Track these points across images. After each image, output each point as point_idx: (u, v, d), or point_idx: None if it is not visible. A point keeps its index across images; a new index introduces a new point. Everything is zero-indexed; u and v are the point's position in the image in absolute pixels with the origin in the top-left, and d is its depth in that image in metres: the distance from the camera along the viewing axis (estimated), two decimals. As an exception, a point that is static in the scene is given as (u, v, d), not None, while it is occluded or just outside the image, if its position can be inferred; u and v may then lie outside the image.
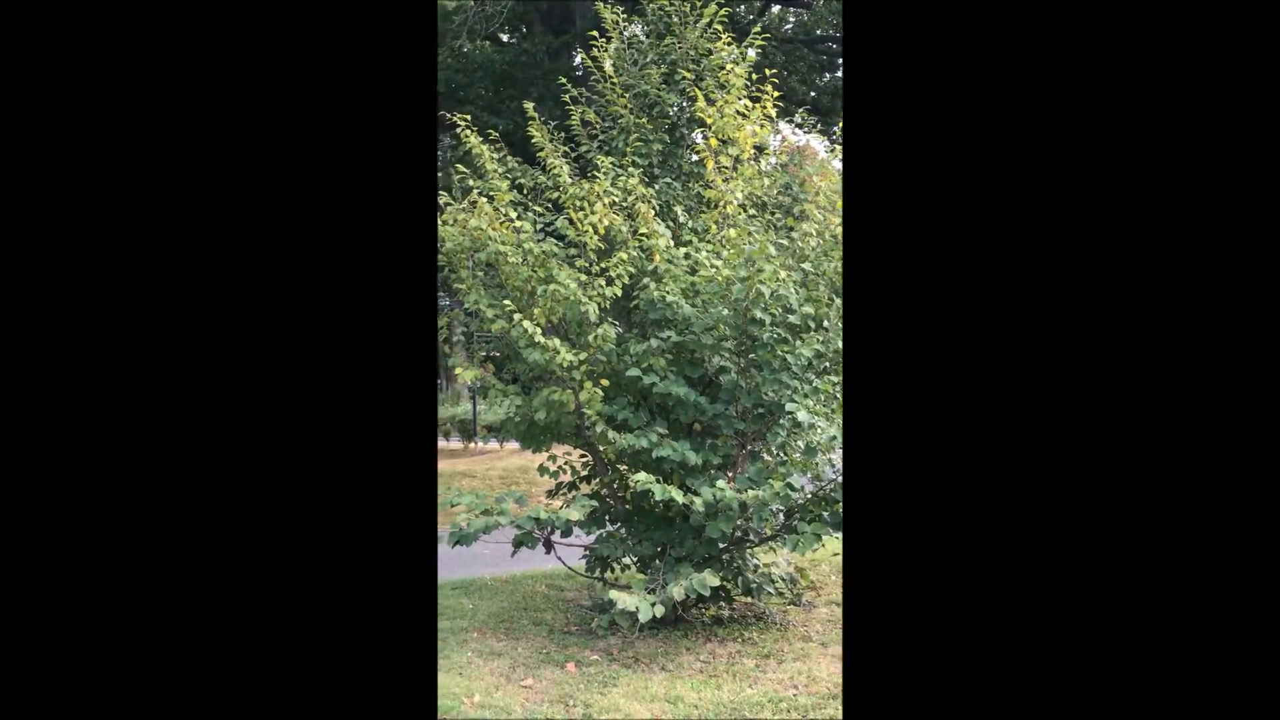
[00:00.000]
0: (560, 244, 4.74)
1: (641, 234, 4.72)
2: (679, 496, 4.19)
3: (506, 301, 4.37)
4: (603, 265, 4.58)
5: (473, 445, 14.29)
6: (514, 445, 13.82)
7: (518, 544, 4.66)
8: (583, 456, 5.40)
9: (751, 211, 5.00)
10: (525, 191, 5.09)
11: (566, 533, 4.73)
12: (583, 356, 4.47)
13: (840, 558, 7.12)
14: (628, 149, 5.03)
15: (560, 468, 5.28)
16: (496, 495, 4.70)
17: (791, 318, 4.49)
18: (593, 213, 4.49)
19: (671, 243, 4.78)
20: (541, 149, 5.02)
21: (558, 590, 6.36)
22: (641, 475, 4.22)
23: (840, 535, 4.77)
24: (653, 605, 4.17)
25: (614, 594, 4.18)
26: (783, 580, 5.46)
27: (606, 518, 5.17)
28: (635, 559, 5.16)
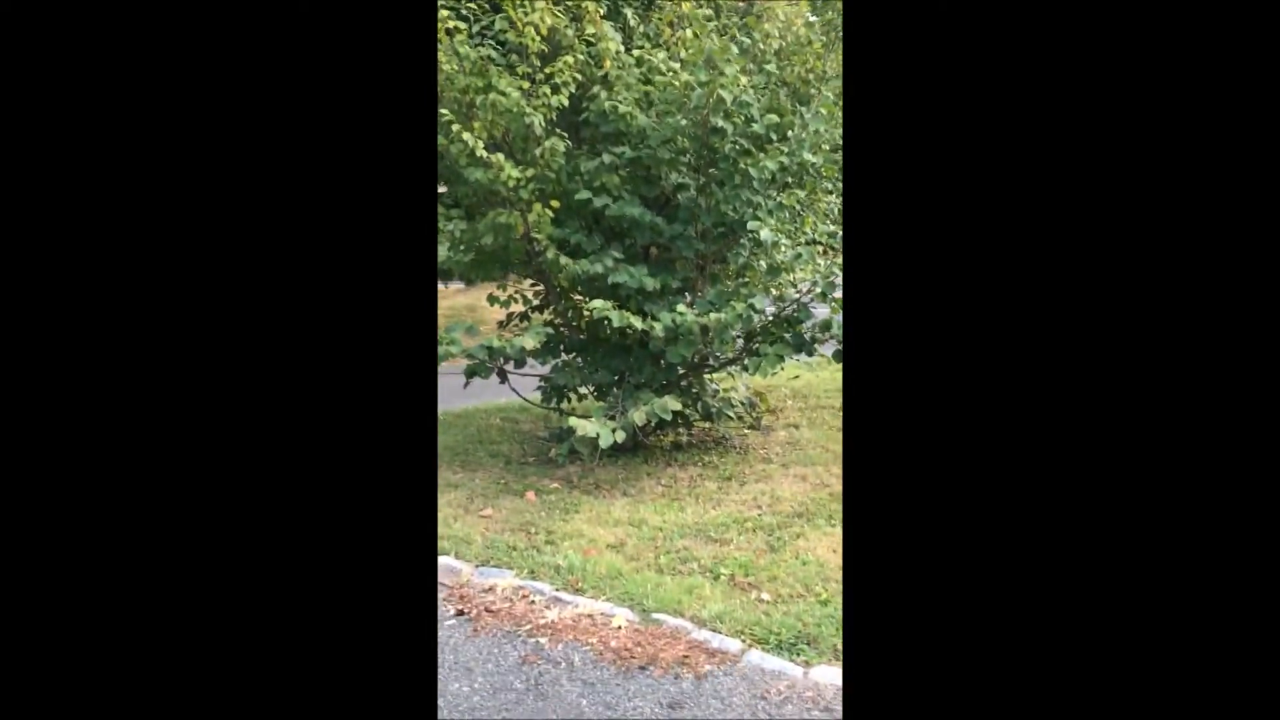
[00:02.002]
0: (499, 49, 4.28)
1: (589, 35, 4.27)
2: (637, 323, 4.00)
3: (444, 112, 3.96)
4: (547, 72, 4.16)
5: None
6: (459, 285, 13.45)
7: (469, 374, 4.47)
8: (534, 285, 5.14)
9: (708, 11, 4.55)
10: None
11: (520, 363, 4.54)
12: (530, 173, 4.12)
13: (798, 381, 7.13)
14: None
15: (511, 296, 5.02)
16: (447, 326, 4.46)
17: (754, 127, 4.16)
18: (533, 10, 4.02)
19: (622, 48, 4.35)
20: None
21: (513, 423, 6.26)
22: (597, 302, 4.00)
23: (802, 359, 4.67)
24: (613, 431, 4.05)
25: (573, 421, 4.05)
26: (742, 405, 5.41)
27: (561, 347, 4.99)
28: (592, 388, 5.03)
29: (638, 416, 4.14)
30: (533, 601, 3.03)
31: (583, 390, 5.13)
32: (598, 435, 4.00)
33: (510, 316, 5.27)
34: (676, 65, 4.22)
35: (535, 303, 5.16)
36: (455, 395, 6.49)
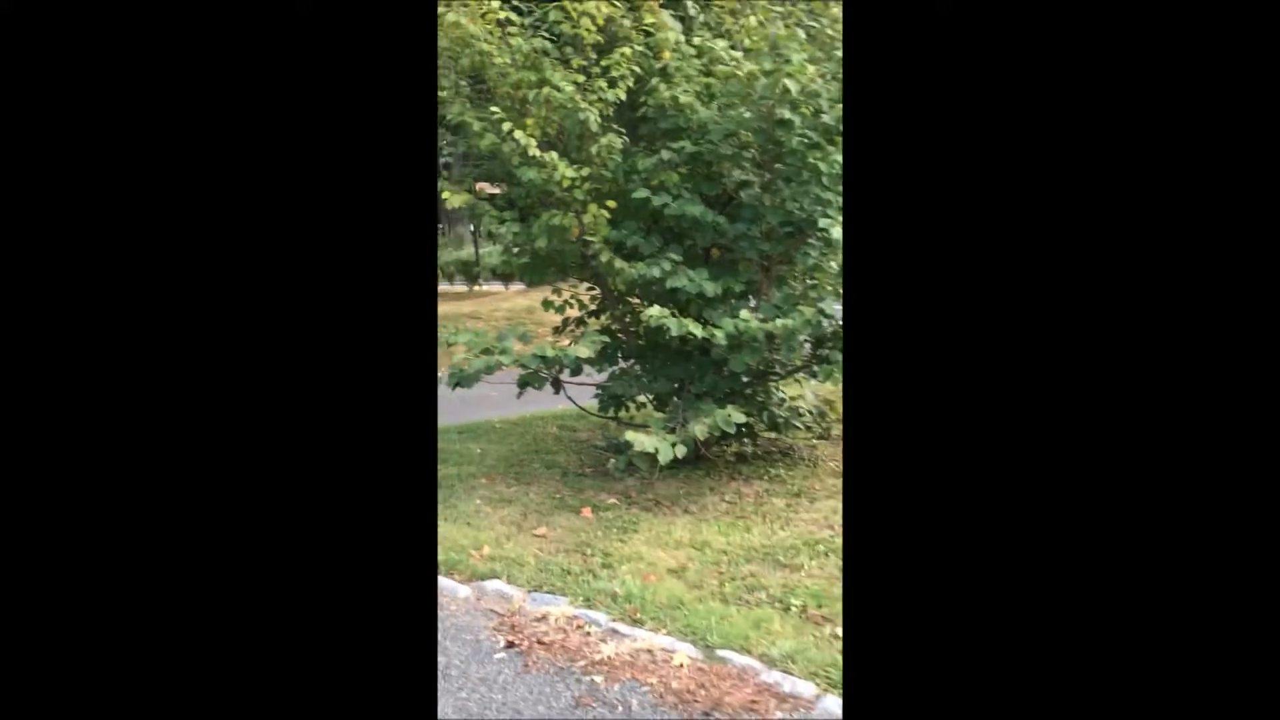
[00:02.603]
0: (554, 41, 4.07)
1: (648, 25, 4.03)
2: (697, 330, 3.75)
3: (494, 109, 3.77)
4: (603, 64, 3.94)
5: (478, 287, 13.78)
6: (520, 286, 13.31)
7: (523, 384, 4.28)
8: (590, 289, 4.93)
9: (772, -4, 4.27)
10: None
11: (576, 371, 4.33)
12: (585, 173, 3.90)
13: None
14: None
15: (566, 301, 4.82)
16: (498, 333, 4.27)
17: (824, 118, 3.88)
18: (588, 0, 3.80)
19: (681, 38, 4.10)
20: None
21: (569, 431, 6.07)
22: (654, 309, 3.76)
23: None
24: (673, 445, 3.82)
25: (630, 435, 3.82)
26: (810, 414, 5.11)
27: (619, 354, 4.77)
28: (651, 397, 4.80)
29: (699, 430, 3.90)
30: (588, 633, 2.80)
31: (640, 399, 4.90)
32: (656, 450, 3.77)
33: (566, 322, 5.06)
34: (739, 54, 3.96)
35: (592, 307, 4.95)
36: (510, 401, 6.33)
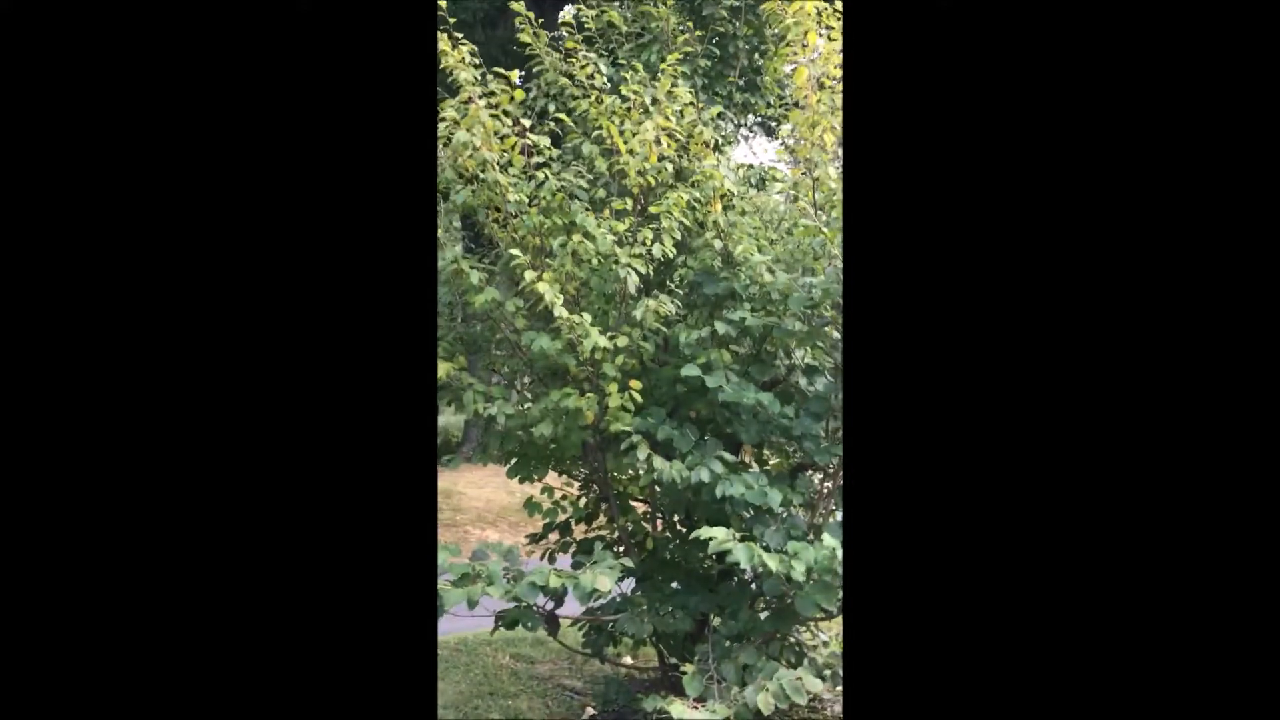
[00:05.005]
0: (590, 181, 3.25)
1: (699, 175, 3.26)
2: (774, 564, 2.74)
3: (516, 252, 2.84)
4: (652, 210, 3.11)
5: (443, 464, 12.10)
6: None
7: (510, 624, 3.13)
8: (584, 488, 3.91)
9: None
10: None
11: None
12: (621, 343, 2.98)
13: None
14: (666, 60, 3.52)
15: (557, 504, 3.76)
16: (475, 548, 3.16)
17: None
18: (638, 131, 3.01)
19: (731, 189, 3.34)
20: (535, 55, 3.51)
21: (525, 663, 4.81)
22: (717, 531, 2.76)
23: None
24: (727, 723, 2.72)
25: (676, 709, 2.70)
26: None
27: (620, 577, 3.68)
28: (651, 634, 3.66)
29: (762, 701, 2.81)
30: None
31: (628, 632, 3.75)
32: (711, 732, 2.66)
33: (548, 528, 3.97)
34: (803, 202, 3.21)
35: (585, 510, 3.90)
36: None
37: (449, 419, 13.13)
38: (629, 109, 3.12)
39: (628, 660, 4.50)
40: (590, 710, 3.95)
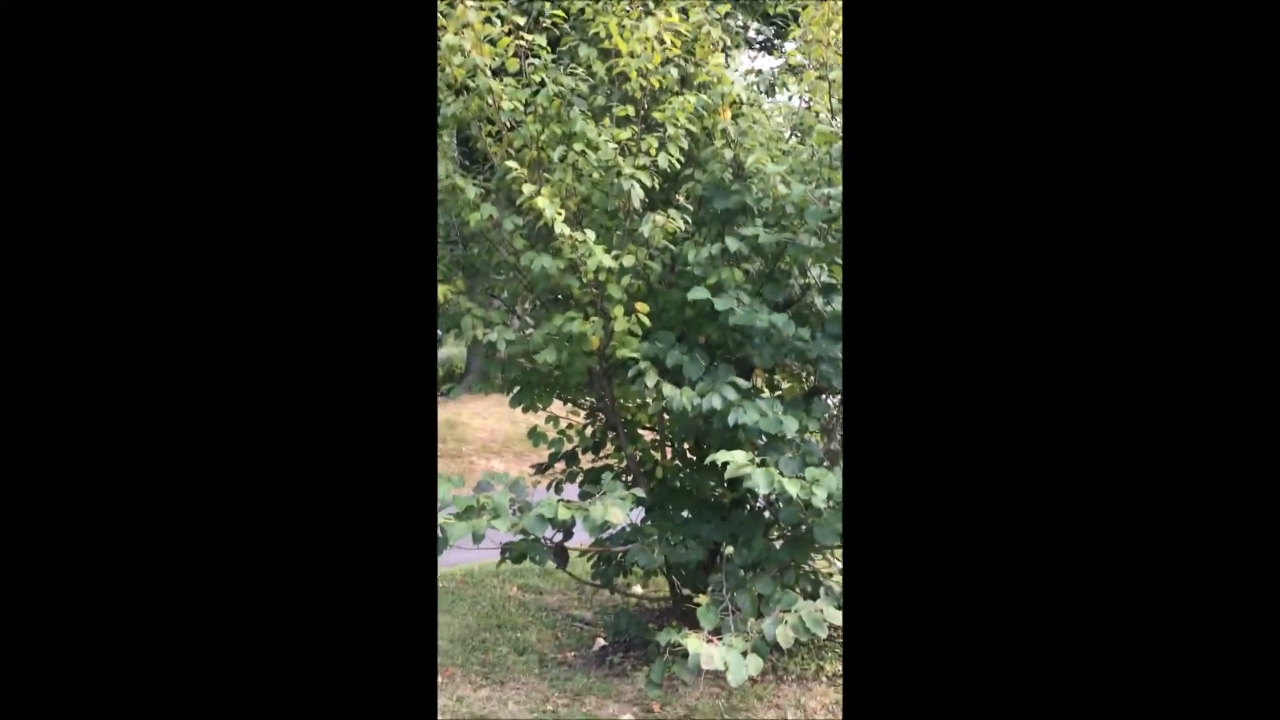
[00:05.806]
0: (589, 86, 3.01)
1: (706, 76, 3.02)
2: (794, 490, 2.61)
3: (512, 165, 2.63)
4: (655, 116, 2.88)
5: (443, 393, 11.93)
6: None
7: (518, 558, 3.01)
8: (590, 417, 3.76)
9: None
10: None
11: (595, 532, 3.10)
12: (626, 262, 2.79)
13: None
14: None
15: (563, 434, 3.62)
16: (480, 480, 3.03)
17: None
18: (638, 29, 2.76)
19: (740, 95, 3.11)
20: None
21: (534, 594, 4.75)
22: (736, 455, 2.61)
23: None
24: (745, 655, 2.62)
25: (692, 642, 2.59)
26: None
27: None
28: (663, 563, 3.57)
29: (781, 634, 2.71)
30: None
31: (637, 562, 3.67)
32: (726, 667, 2.56)
33: (553, 457, 3.84)
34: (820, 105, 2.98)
35: (591, 440, 3.76)
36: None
37: (452, 349, 12.93)
38: (629, 6, 2.87)
39: (638, 590, 4.42)
40: (601, 641, 3.87)
